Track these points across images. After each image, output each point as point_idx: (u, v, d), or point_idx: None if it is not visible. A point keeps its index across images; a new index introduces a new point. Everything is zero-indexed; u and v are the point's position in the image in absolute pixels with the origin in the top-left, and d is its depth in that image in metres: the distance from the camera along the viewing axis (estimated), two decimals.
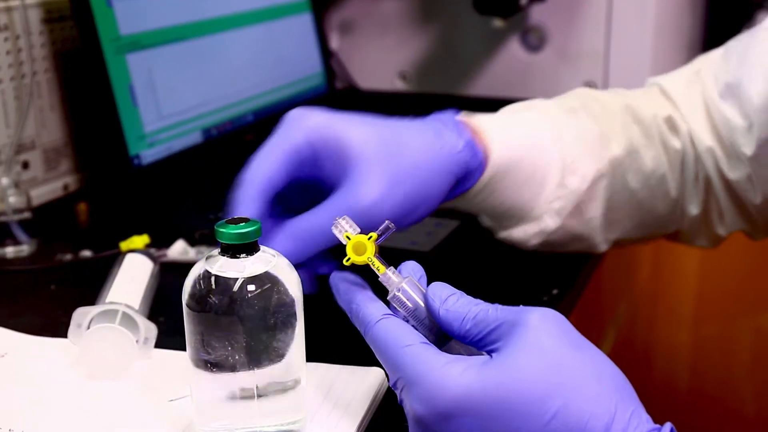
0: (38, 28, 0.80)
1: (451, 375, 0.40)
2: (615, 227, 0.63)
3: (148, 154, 0.78)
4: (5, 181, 0.72)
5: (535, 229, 0.60)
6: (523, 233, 0.61)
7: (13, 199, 0.72)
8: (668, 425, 0.39)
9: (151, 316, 0.57)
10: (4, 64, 0.77)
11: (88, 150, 0.86)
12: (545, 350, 0.40)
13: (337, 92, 1.12)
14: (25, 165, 0.79)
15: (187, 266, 0.44)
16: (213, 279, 0.41)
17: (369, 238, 0.44)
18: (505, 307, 0.42)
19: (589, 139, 0.61)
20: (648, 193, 0.63)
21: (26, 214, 0.73)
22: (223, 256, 0.42)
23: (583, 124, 0.61)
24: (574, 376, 0.39)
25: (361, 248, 0.44)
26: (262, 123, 0.92)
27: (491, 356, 0.40)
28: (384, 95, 1.18)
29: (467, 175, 0.55)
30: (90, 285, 0.61)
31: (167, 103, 0.80)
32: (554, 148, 0.59)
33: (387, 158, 0.51)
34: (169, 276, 0.64)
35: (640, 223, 0.64)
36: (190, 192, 0.81)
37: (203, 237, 0.72)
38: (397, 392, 0.42)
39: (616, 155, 0.61)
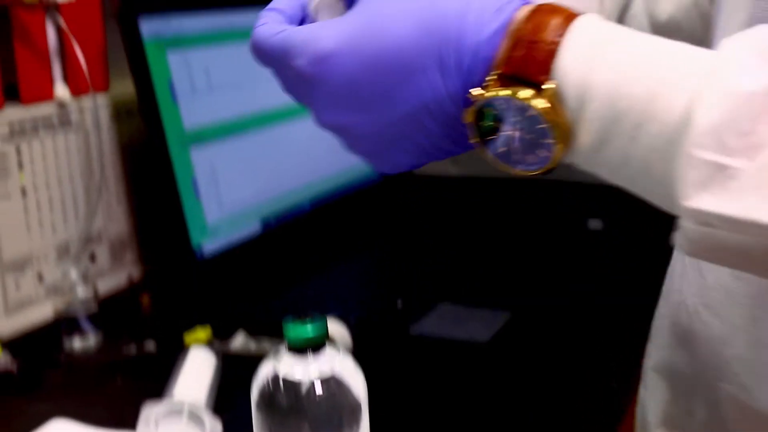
0: (107, 125, 0.84)
1: (321, 25, 0.45)
2: None
3: (210, 245, 0.80)
4: (74, 274, 0.74)
5: None
6: None
7: (81, 292, 0.74)
8: None
9: (214, 410, 0.58)
10: (74, 160, 0.80)
11: (152, 242, 0.89)
12: None
13: (392, 178, 1.14)
14: (93, 257, 0.82)
15: (249, 359, 0.45)
16: (282, 381, 0.42)
17: None
18: None
19: None
20: None
21: (92, 307, 0.75)
22: (291, 353, 0.43)
23: None
24: None
25: None
26: (319, 212, 0.94)
27: None
28: (437, 180, 1.19)
29: None
30: (155, 377, 0.62)
31: (228, 195, 0.83)
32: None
33: None
34: (231, 369, 0.65)
35: None
36: (250, 282, 0.83)
37: (263, 328, 0.73)
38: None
39: None
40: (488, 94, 0.42)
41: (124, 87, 0.84)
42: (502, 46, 0.42)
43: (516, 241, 0.98)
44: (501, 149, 0.44)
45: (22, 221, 0.74)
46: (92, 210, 0.81)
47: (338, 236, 0.97)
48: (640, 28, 0.40)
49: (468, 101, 0.43)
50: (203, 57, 0.84)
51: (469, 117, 0.44)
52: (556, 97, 0.42)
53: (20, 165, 0.74)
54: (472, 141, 0.45)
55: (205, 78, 0.84)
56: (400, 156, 0.48)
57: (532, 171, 0.44)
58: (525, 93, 0.42)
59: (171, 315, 0.79)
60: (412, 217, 1.11)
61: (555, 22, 0.42)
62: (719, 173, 0.38)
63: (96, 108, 0.81)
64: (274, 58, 0.46)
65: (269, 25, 0.47)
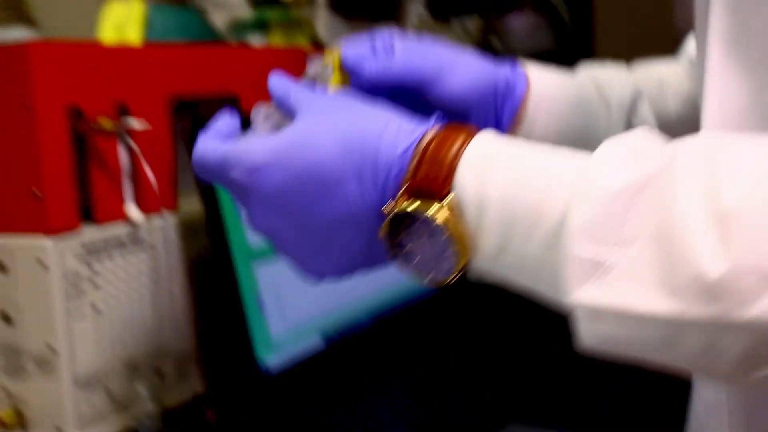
0: (175, 242, 0.86)
1: (255, 141, 0.51)
2: None
3: (274, 360, 0.81)
4: (142, 390, 0.75)
5: None
6: None
7: (148, 407, 0.75)
8: (434, 118, 0.49)
9: None
10: (143, 277, 0.82)
11: (217, 357, 0.90)
12: (326, 101, 0.52)
13: (452, 290, 1.14)
14: (159, 372, 0.83)
15: None
16: None
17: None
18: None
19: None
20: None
21: (158, 423, 0.76)
22: None
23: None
24: (352, 106, 0.50)
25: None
26: (380, 325, 0.95)
27: None
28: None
29: (507, 86, 0.65)
30: None
31: (291, 310, 0.84)
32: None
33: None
34: None
35: None
36: (313, 396, 0.83)
37: None
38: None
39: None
40: (397, 208, 0.47)
41: (192, 204, 0.87)
42: (411, 163, 0.47)
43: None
44: (414, 261, 0.48)
45: (93, 339, 0.76)
46: (160, 326, 0.83)
47: (400, 349, 0.97)
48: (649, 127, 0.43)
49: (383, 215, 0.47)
50: None
51: (383, 230, 0.48)
52: (456, 209, 0.45)
53: (93, 284, 0.77)
54: (388, 253, 0.49)
55: None
56: (325, 264, 0.52)
57: (441, 280, 0.48)
58: (429, 206, 0.46)
59: (236, 429, 0.80)
60: (476, 329, 1.10)
61: (456, 140, 0.46)
62: (596, 268, 0.41)
63: (165, 226, 0.84)
64: (214, 172, 0.53)
65: (209, 142, 0.53)
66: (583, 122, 0.69)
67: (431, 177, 0.46)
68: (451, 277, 0.48)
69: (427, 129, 0.48)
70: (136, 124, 0.69)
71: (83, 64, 0.72)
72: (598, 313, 0.41)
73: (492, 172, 0.45)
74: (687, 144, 0.42)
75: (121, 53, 0.76)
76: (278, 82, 0.55)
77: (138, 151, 0.80)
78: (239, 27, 1.61)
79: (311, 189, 0.49)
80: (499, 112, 0.66)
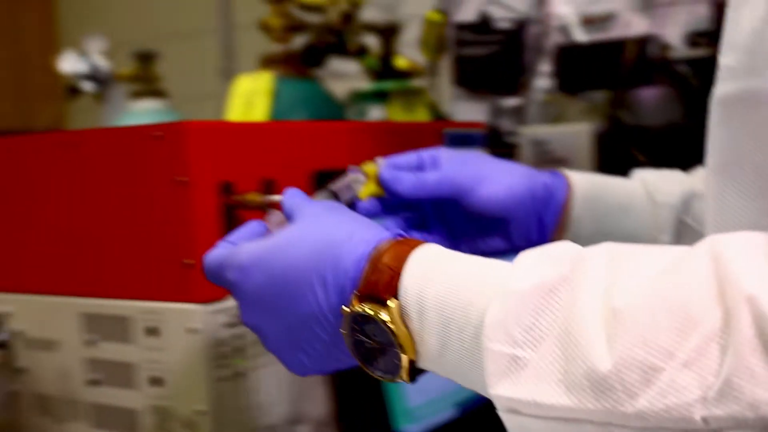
0: None
1: (242, 247, 0.58)
2: None
3: (413, 430, 0.81)
4: None
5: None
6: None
7: None
8: (396, 232, 0.54)
9: None
10: None
11: (354, 423, 0.91)
12: (311, 214, 0.57)
13: None
14: None
15: None
16: None
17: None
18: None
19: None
20: None
21: None
22: None
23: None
24: (329, 220, 0.56)
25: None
26: None
27: None
28: None
29: (546, 192, 0.71)
30: None
31: (429, 380, 0.85)
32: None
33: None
34: None
35: None
36: None
37: None
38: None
39: None
40: (351, 310, 0.52)
41: None
42: (365, 270, 0.52)
43: None
44: (369, 358, 0.53)
45: (237, 404, 0.79)
46: (300, 391, 0.85)
47: None
48: (697, 236, 0.49)
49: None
50: None
51: (343, 330, 0.53)
52: (399, 312, 0.50)
53: (238, 350, 0.80)
54: (349, 350, 0.54)
55: None
56: (304, 359, 0.57)
57: (391, 378, 0.53)
58: (378, 309, 0.50)
59: None
60: None
61: (402, 249, 0.52)
62: (513, 363, 0.44)
63: None
64: (213, 272, 0.60)
65: (215, 250, 0.61)
66: (631, 223, 0.73)
67: (380, 282, 0.51)
68: (400, 375, 0.52)
69: (381, 240, 0.53)
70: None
71: (234, 141, 0.75)
72: (517, 405, 0.44)
73: (430, 278, 0.49)
74: (595, 250, 0.46)
75: (269, 131, 0.80)
76: (291, 196, 0.63)
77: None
78: (359, 98, 1.66)
79: (284, 289, 0.54)
80: (542, 217, 0.72)
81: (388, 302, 0.50)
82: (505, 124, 1.21)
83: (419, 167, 0.72)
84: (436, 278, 0.49)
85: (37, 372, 0.87)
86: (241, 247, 0.58)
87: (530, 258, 0.47)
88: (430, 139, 0.97)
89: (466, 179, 0.70)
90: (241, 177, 0.76)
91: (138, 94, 1.77)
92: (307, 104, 1.50)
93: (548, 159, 1.11)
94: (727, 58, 0.49)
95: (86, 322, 0.81)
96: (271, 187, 0.78)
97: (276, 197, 0.73)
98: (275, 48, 1.55)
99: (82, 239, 0.80)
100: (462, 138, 1.00)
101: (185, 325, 0.74)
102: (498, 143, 1.21)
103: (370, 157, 0.87)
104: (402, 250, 0.52)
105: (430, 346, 0.50)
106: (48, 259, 0.83)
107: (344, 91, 1.73)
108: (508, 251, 0.74)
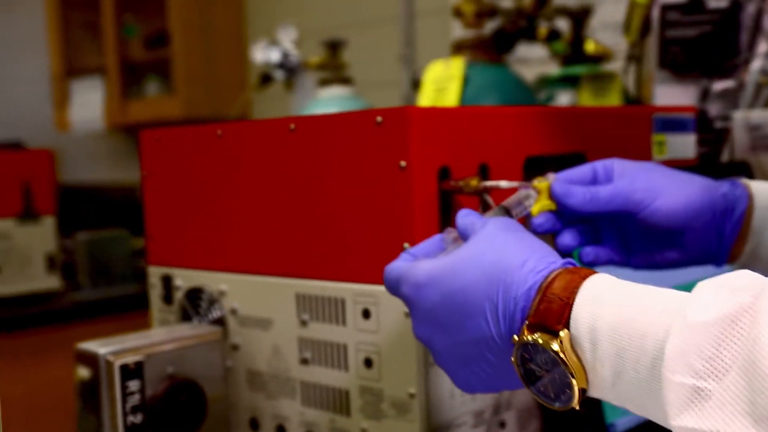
0: None
1: (419, 263, 0.60)
2: None
3: (623, 423, 0.79)
4: None
5: None
6: None
7: None
8: (566, 260, 0.55)
9: None
10: None
11: (560, 415, 0.90)
12: (485, 235, 0.58)
13: None
14: (502, 424, 0.85)
15: None
16: None
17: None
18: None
19: None
20: None
21: None
22: None
23: None
24: (502, 242, 0.57)
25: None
26: None
27: None
28: None
29: (726, 204, 0.70)
30: None
31: None
32: None
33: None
34: None
35: None
36: None
37: None
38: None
39: None
40: (521, 340, 0.53)
41: None
42: (534, 300, 0.52)
43: None
44: (540, 387, 0.53)
45: (447, 388, 0.80)
46: None
47: None
48: None
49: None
50: None
51: (513, 356, 0.54)
52: (570, 342, 0.51)
53: None
54: (519, 377, 0.54)
55: None
56: (472, 377, 0.58)
57: (563, 407, 0.53)
58: (549, 339, 0.51)
59: None
60: None
61: (573, 279, 0.52)
62: (696, 395, 0.44)
63: None
64: (392, 285, 0.62)
65: (396, 262, 0.63)
66: None
67: (548, 313, 0.52)
68: (572, 404, 0.52)
69: (552, 270, 0.53)
70: (503, 183, 0.72)
71: (453, 126, 0.76)
72: None
73: (602, 308, 0.50)
74: None
75: (485, 116, 0.80)
76: (463, 215, 0.64)
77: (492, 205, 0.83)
78: (547, 83, 1.63)
79: (456, 309, 0.56)
80: (722, 228, 0.70)
81: (560, 333, 0.51)
82: (714, 108, 1.16)
83: (593, 180, 0.71)
84: (608, 309, 0.50)
85: (249, 349, 0.90)
86: (418, 264, 0.60)
87: (709, 288, 0.47)
88: (639, 124, 0.94)
89: (640, 193, 0.69)
90: (459, 162, 0.76)
91: (326, 82, 1.82)
92: (498, 89, 1.49)
93: (764, 144, 1.06)
94: None
95: (301, 303, 0.84)
96: (487, 173, 0.78)
97: (493, 183, 0.73)
98: (465, 33, 1.55)
99: (301, 222, 0.83)
100: (672, 123, 0.97)
101: (402, 309, 0.75)
102: (705, 128, 1.15)
103: (585, 145, 0.85)
104: (572, 280, 0.52)
105: (603, 375, 0.50)
106: (265, 241, 0.87)
107: (531, 76, 1.71)
108: (685, 262, 0.73)
